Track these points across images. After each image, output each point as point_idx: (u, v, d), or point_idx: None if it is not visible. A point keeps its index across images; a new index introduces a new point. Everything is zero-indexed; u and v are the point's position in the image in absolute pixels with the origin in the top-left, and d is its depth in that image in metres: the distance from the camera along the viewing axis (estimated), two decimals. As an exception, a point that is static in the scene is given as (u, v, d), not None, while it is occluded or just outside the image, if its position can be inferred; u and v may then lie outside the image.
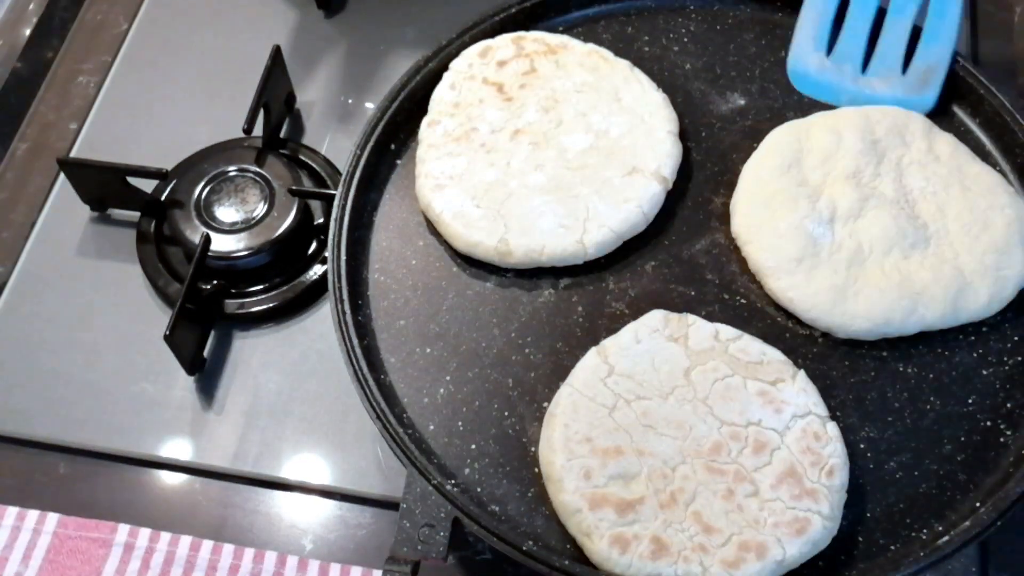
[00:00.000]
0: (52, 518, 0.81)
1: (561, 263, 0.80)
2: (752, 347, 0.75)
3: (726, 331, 0.76)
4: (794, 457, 0.71)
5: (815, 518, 0.69)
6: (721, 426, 0.72)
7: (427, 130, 0.86)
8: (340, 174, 0.85)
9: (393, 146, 0.88)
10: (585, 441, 0.71)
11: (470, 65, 0.89)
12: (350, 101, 1.04)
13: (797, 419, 0.72)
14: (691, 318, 0.77)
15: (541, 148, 0.84)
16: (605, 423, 0.72)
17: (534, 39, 0.90)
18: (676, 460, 0.71)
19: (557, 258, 0.80)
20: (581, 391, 0.73)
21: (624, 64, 0.89)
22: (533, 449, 0.74)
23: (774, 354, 0.75)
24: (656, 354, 0.75)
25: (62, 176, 0.98)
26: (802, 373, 0.75)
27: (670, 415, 0.72)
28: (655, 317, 0.77)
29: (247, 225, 0.90)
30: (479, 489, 0.73)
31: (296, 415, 0.86)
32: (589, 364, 0.75)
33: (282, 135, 1.01)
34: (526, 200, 0.81)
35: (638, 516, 0.69)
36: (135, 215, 0.95)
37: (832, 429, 0.72)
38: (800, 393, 0.73)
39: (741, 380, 0.74)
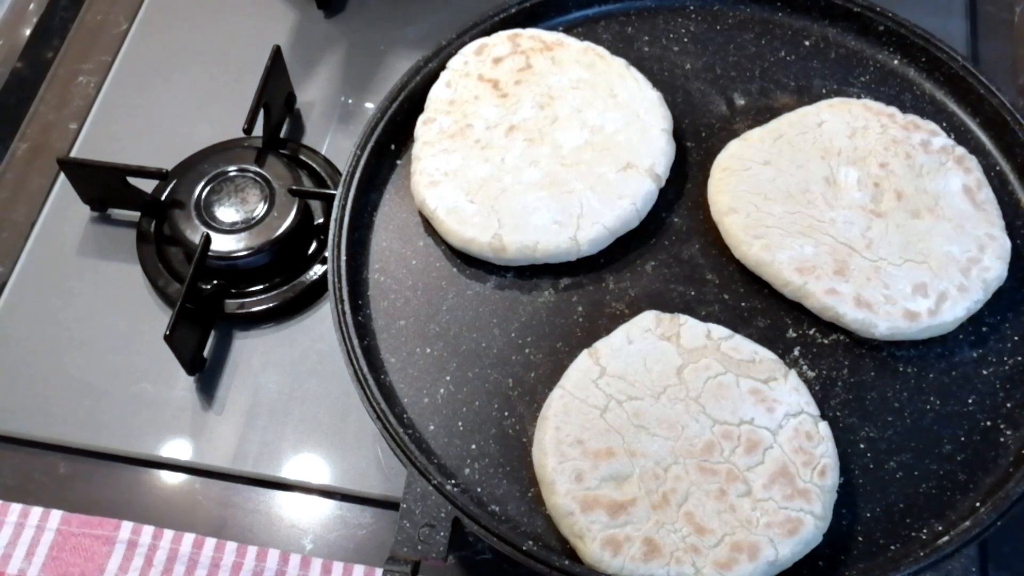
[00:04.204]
0: (55, 515, 0.81)
1: (555, 260, 0.80)
2: (744, 346, 0.75)
3: (718, 330, 0.76)
4: (786, 456, 0.71)
5: (808, 518, 0.69)
6: (713, 425, 0.72)
7: (423, 128, 0.86)
8: (340, 174, 0.85)
9: (393, 146, 0.88)
10: (576, 443, 0.71)
11: (466, 63, 0.89)
12: (350, 101, 1.04)
13: (789, 418, 0.72)
14: (683, 318, 0.77)
15: (536, 144, 0.84)
16: (597, 425, 0.72)
17: (530, 36, 0.90)
18: (668, 460, 0.71)
19: (551, 255, 0.80)
20: (572, 393, 0.73)
21: (620, 62, 0.89)
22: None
23: (765, 353, 0.75)
24: (648, 354, 0.75)
25: (62, 176, 0.98)
26: (793, 372, 0.75)
27: (662, 415, 0.72)
28: (647, 318, 0.77)
29: (247, 225, 0.90)
30: (479, 489, 0.73)
31: (296, 415, 0.86)
32: (581, 366, 0.75)
33: (282, 135, 1.01)
34: (520, 196, 0.81)
35: (630, 518, 0.68)
36: (135, 215, 0.95)
37: (824, 428, 0.72)
38: (792, 392, 0.73)
39: (734, 378, 0.74)
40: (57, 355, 0.89)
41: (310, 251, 0.93)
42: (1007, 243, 0.80)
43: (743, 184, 0.82)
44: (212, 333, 0.90)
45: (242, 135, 0.93)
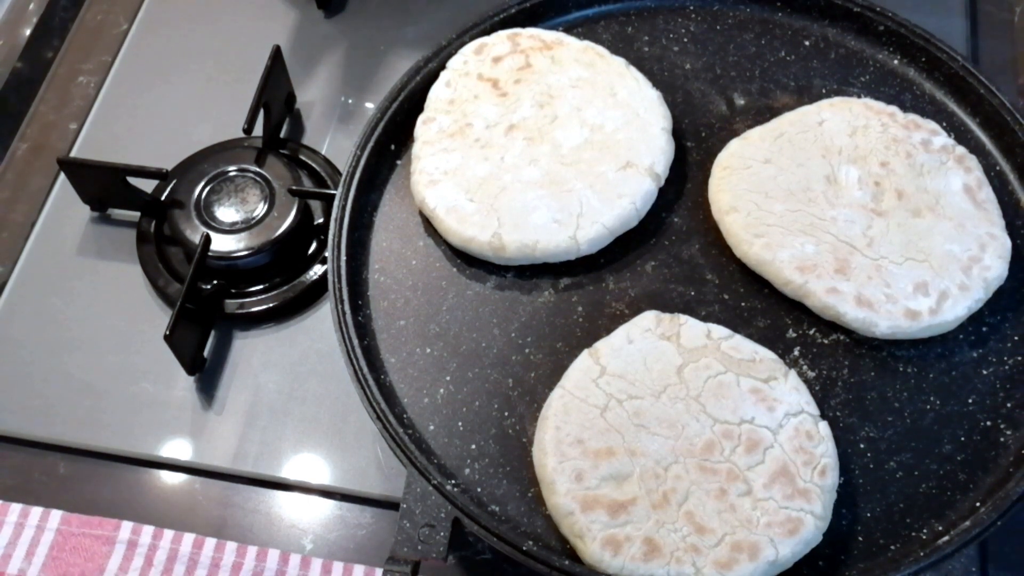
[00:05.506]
0: (55, 515, 0.81)
1: (554, 259, 0.80)
2: (744, 345, 0.75)
3: (718, 330, 0.76)
4: (787, 456, 0.71)
5: (808, 518, 0.69)
6: (714, 424, 0.72)
7: (422, 127, 0.86)
8: (340, 174, 0.84)
9: (393, 146, 0.88)
10: (576, 443, 0.71)
11: (465, 62, 0.89)
12: (350, 101, 1.04)
13: (790, 417, 0.72)
14: (683, 318, 0.77)
15: (535, 143, 0.84)
16: (597, 424, 0.72)
17: (529, 35, 0.90)
18: (668, 460, 0.71)
19: (550, 254, 0.80)
20: (573, 393, 0.73)
21: (619, 61, 0.89)
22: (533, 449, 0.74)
23: (765, 353, 0.75)
24: (648, 353, 0.74)
25: (62, 176, 0.98)
26: (793, 372, 0.75)
27: (662, 414, 0.72)
28: (647, 318, 0.77)
29: (247, 225, 0.90)
30: (479, 489, 0.73)
31: (296, 415, 0.86)
32: (581, 366, 0.75)
33: (282, 135, 1.01)
34: (520, 194, 0.81)
35: (630, 517, 0.68)
36: (135, 215, 0.95)
37: (824, 428, 0.72)
38: (792, 391, 0.73)
39: (734, 377, 0.74)
40: (57, 355, 0.89)
41: (310, 251, 0.93)
42: (1007, 242, 0.80)
43: (744, 182, 0.82)
44: (212, 333, 0.90)
45: (242, 135, 0.93)
